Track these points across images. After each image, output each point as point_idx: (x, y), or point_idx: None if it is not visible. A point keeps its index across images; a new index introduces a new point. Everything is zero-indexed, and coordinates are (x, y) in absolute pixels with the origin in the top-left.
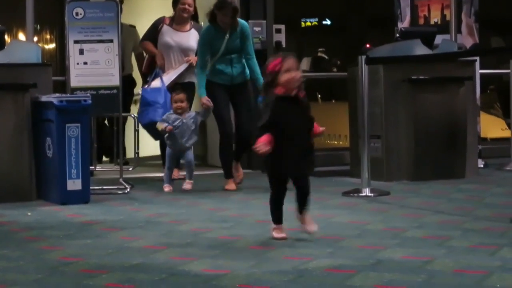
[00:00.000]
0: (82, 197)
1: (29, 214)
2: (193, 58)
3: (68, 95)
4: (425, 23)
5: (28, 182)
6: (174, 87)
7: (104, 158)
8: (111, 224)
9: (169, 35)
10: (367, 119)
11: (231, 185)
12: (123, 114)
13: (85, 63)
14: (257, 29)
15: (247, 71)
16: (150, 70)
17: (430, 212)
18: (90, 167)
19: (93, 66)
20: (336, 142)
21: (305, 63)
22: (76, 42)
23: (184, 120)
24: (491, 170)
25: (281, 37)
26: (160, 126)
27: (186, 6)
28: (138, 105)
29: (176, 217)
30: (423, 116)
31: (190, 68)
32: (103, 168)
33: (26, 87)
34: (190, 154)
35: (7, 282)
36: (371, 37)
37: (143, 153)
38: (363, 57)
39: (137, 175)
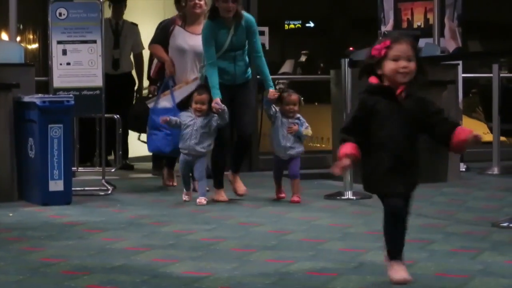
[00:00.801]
0: (64, 198)
1: (10, 215)
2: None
3: (50, 95)
4: (408, 27)
5: (10, 182)
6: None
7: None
8: (93, 225)
9: (182, 38)
10: None
11: (222, 195)
12: (106, 115)
13: (68, 63)
14: None
15: (249, 70)
16: (160, 76)
17: (412, 215)
18: (73, 168)
19: (76, 66)
20: (319, 145)
21: (288, 65)
22: (59, 42)
23: (197, 120)
24: (473, 174)
25: (265, 40)
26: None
27: (197, 1)
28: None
29: (158, 219)
30: None
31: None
32: (86, 169)
33: (9, 87)
34: (201, 165)
35: None
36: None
37: (133, 153)
38: (346, 60)
39: (120, 176)
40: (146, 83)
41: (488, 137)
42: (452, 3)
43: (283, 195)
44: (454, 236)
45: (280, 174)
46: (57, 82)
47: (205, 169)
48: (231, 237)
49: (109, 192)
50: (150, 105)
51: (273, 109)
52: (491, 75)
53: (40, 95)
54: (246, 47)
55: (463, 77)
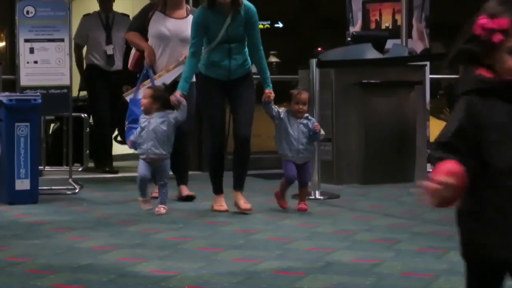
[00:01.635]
0: (30, 197)
1: None
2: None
3: (18, 94)
4: (376, 28)
5: None
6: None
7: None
8: (59, 224)
9: (162, 24)
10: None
11: (221, 204)
12: (73, 114)
13: (36, 62)
14: None
15: (249, 63)
16: (139, 68)
17: (379, 215)
18: (39, 167)
19: (44, 65)
20: None
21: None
22: (26, 40)
23: (151, 120)
24: None
25: None
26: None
27: None
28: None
29: (125, 218)
30: (373, 120)
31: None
32: (52, 168)
33: None
34: (163, 169)
35: None
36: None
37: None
38: (315, 60)
39: (87, 175)
40: None
41: None
42: (420, 4)
43: (287, 205)
44: (420, 236)
45: (294, 180)
46: (24, 81)
47: (168, 173)
48: (198, 237)
49: (76, 191)
50: (128, 97)
51: (275, 109)
52: (458, 76)
53: (7, 93)
54: (245, 39)
55: (431, 79)
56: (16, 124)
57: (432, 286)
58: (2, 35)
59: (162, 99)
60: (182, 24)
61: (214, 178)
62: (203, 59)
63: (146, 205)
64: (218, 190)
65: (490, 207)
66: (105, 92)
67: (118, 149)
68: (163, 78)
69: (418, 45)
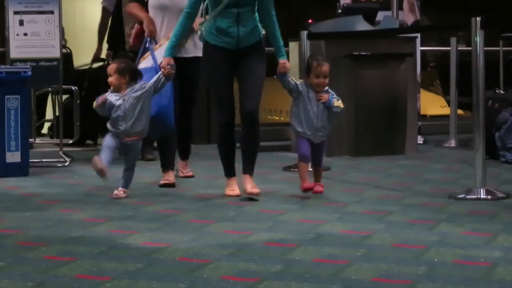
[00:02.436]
0: (21, 169)
1: None
2: (197, 23)
3: (7, 66)
4: (367, 0)
5: None
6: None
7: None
8: (50, 196)
9: None
10: None
11: (233, 189)
12: (64, 86)
13: (25, 34)
14: None
15: (260, 29)
16: (140, 42)
17: (370, 187)
18: (30, 140)
19: (33, 37)
20: (277, 118)
21: None
22: (16, 13)
23: (125, 98)
24: (430, 146)
25: None
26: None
27: None
28: None
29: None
30: (364, 92)
31: (193, 36)
32: (43, 141)
33: None
34: (135, 150)
35: None
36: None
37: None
38: (305, 32)
39: (78, 148)
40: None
41: (445, 110)
42: None
43: (312, 185)
44: (411, 207)
45: (309, 160)
46: (14, 53)
47: (139, 154)
48: (189, 209)
49: (67, 163)
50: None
51: (292, 81)
52: (449, 48)
53: None
54: (256, 3)
55: (421, 50)
56: (6, 96)
57: (423, 257)
58: None
59: (128, 71)
60: None
61: (224, 159)
62: (208, 26)
63: (102, 170)
64: (229, 172)
65: None
66: None
67: None
68: (164, 48)
69: (409, 17)
